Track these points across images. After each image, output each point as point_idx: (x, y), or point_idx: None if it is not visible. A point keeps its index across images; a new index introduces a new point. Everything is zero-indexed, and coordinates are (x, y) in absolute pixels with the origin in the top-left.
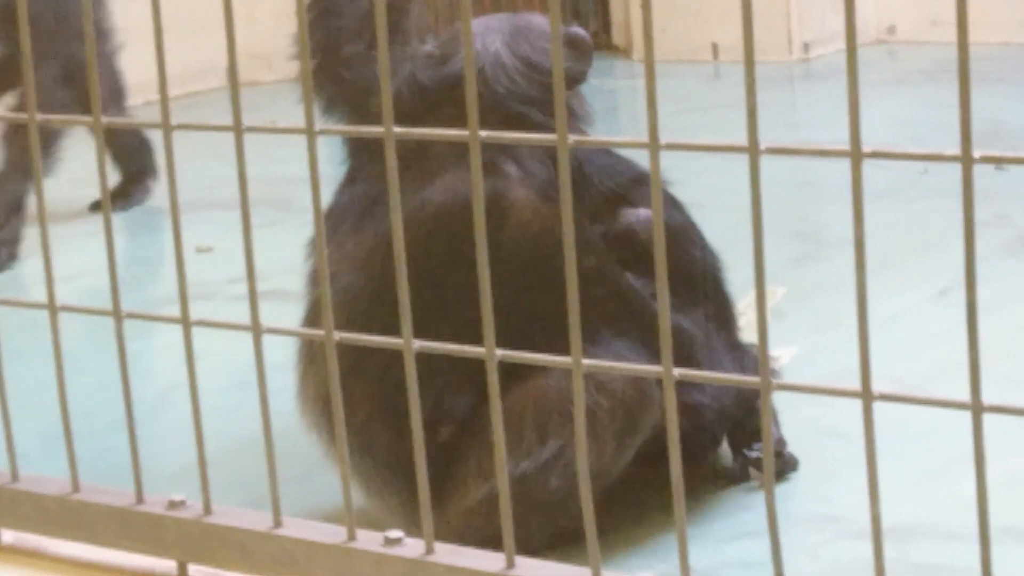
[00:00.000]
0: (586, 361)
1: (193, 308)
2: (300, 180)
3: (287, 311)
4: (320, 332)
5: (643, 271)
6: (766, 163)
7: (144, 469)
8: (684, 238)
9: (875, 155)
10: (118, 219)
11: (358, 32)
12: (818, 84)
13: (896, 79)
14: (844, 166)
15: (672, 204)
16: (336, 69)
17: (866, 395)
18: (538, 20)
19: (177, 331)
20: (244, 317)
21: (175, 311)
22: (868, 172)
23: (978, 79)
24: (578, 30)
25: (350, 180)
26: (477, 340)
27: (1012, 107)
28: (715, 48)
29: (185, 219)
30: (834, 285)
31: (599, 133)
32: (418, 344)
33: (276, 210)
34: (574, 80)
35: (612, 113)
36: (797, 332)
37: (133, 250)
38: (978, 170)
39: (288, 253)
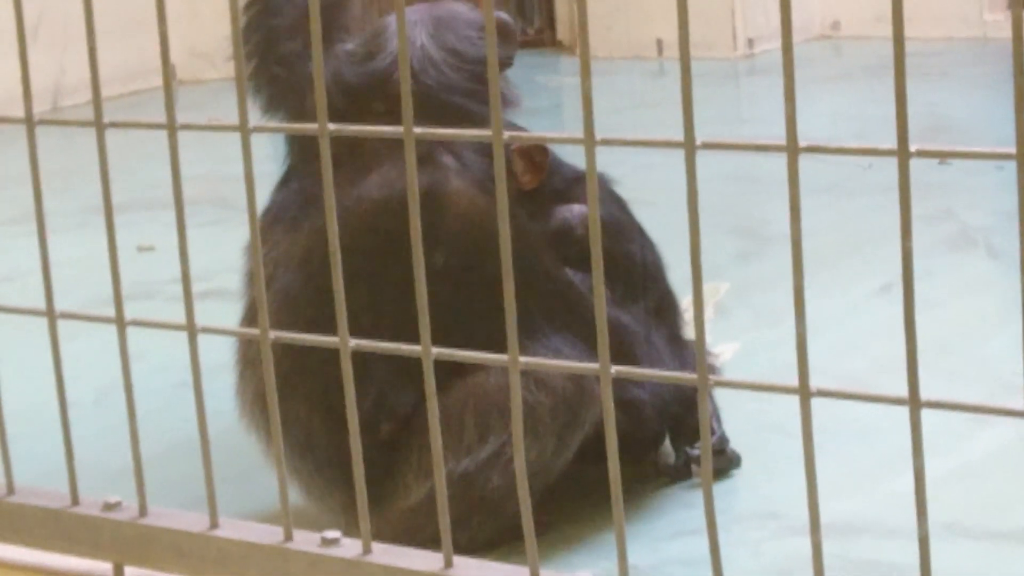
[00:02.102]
0: (523, 359)
1: (134, 308)
2: (243, 179)
3: (228, 310)
4: (256, 331)
5: (580, 268)
6: (711, 159)
7: (82, 471)
8: (622, 233)
9: (811, 149)
10: (60, 219)
11: (295, 30)
12: (762, 79)
13: (840, 74)
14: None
15: (611, 200)
16: (272, 69)
17: (803, 391)
18: (459, 8)
19: (116, 331)
20: (184, 317)
21: (113, 311)
22: (812, 168)
23: (921, 74)
24: (500, 14)
25: (285, 179)
26: (416, 336)
27: (955, 101)
28: (660, 44)
29: (128, 218)
30: (777, 281)
31: (543, 130)
32: (354, 343)
33: (219, 209)
34: (502, 65)
35: (556, 110)
36: (740, 328)
37: (74, 250)
38: (922, 165)
39: (230, 252)
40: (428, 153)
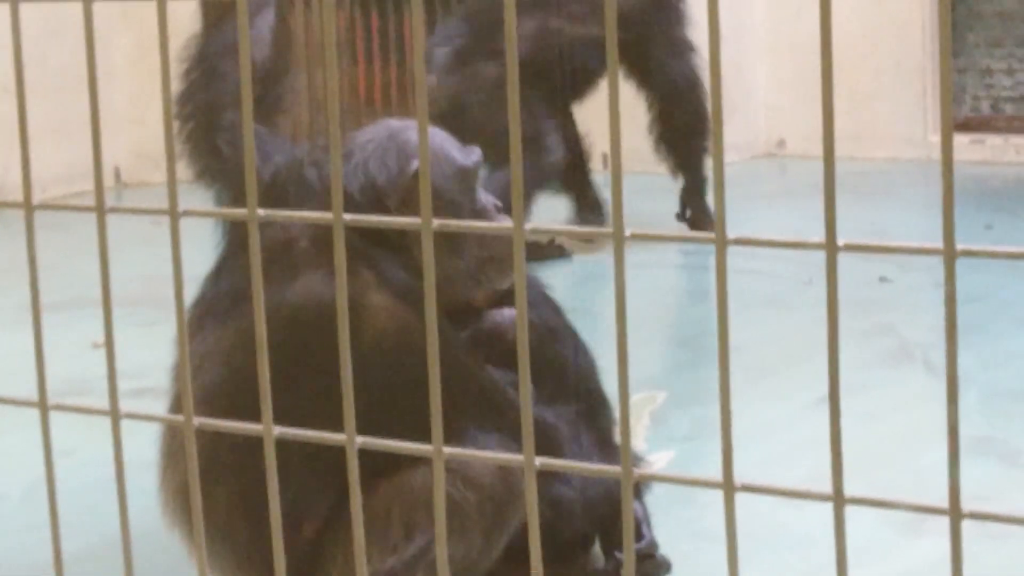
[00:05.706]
0: (447, 449)
1: (73, 402)
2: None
3: (162, 407)
4: (180, 417)
5: (512, 370)
6: (654, 273)
7: (4, 565)
8: (554, 336)
9: (739, 242)
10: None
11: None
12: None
13: (784, 191)
14: (731, 276)
15: (545, 304)
16: (213, 137)
17: (727, 485)
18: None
19: (52, 425)
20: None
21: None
22: (752, 283)
23: (865, 192)
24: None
25: (217, 272)
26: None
27: (897, 218)
28: (604, 158)
29: (84, 313)
30: (714, 391)
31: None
32: (279, 430)
33: (159, 309)
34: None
35: None
36: (675, 438)
37: (12, 345)
38: (863, 282)
39: (169, 352)
40: (349, 267)
